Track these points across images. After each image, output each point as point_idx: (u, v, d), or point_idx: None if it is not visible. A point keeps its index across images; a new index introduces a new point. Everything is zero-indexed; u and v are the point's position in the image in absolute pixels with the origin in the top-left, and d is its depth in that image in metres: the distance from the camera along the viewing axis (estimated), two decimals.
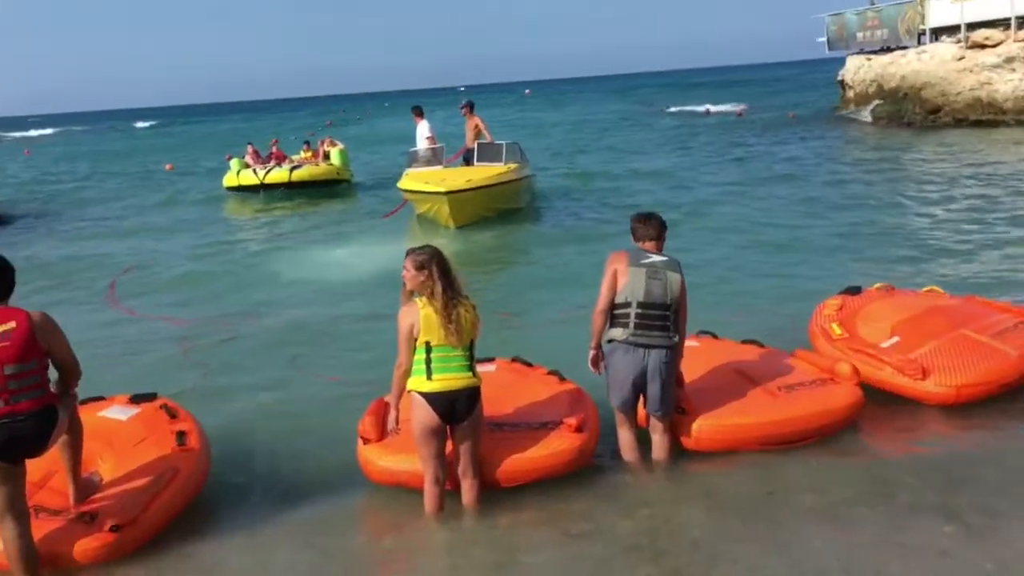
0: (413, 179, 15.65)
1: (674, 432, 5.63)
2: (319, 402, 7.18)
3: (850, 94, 33.14)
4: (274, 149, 24.66)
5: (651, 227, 5.51)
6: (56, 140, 72.63)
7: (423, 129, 17.37)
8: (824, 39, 36.08)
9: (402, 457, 5.17)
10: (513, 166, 15.99)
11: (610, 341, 5.39)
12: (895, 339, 6.72)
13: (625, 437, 5.59)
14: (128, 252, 15.20)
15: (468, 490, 5.07)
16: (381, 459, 5.25)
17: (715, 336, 7.02)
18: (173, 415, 5.82)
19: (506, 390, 5.91)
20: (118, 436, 5.51)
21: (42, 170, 38.03)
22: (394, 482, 5.25)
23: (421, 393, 4.82)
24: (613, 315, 5.38)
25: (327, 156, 23.78)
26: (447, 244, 12.96)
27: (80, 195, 26.13)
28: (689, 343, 6.39)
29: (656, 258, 5.41)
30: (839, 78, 34.72)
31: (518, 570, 4.58)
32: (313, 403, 7.17)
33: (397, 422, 5.18)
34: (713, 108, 49.78)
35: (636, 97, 75.92)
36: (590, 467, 5.44)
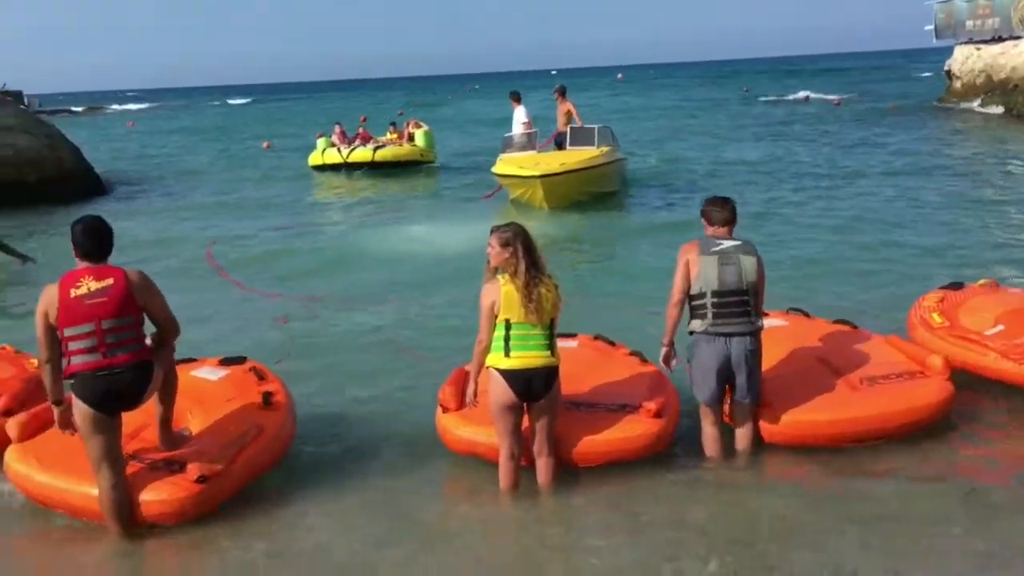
0: (507, 164, 15.80)
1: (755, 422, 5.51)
2: (403, 374, 7.28)
3: (957, 85, 31.91)
4: (361, 129, 24.91)
5: (725, 210, 5.40)
6: (157, 114, 75.27)
7: (519, 114, 17.38)
8: (932, 27, 34.74)
9: (479, 428, 5.21)
10: (605, 149, 16.02)
11: (691, 333, 5.31)
12: (999, 327, 6.45)
13: (709, 432, 5.43)
14: (218, 226, 15.71)
15: (543, 468, 5.07)
16: (459, 428, 5.31)
17: (806, 314, 6.85)
18: (261, 377, 5.99)
19: (586, 368, 5.88)
20: (207, 395, 5.69)
21: (143, 143, 39.55)
22: (470, 452, 5.31)
23: (499, 370, 4.85)
24: (691, 307, 5.29)
25: (412, 137, 23.84)
26: (537, 227, 12.82)
27: (178, 168, 27.03)
28: (777, 321, 6.26)
29: (727, 243, 5.30)
30: (946, 68, 33.44)
31: (588, 551, 4.57)
32: (397, 375, 7.27)
33: (475, 396, 5.22)
34: (811, 95, 48.47)
35: (731, 84, 74.34)
36: (667, 452, 5.40)
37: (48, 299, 4.53)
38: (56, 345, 4.57)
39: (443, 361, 6.96)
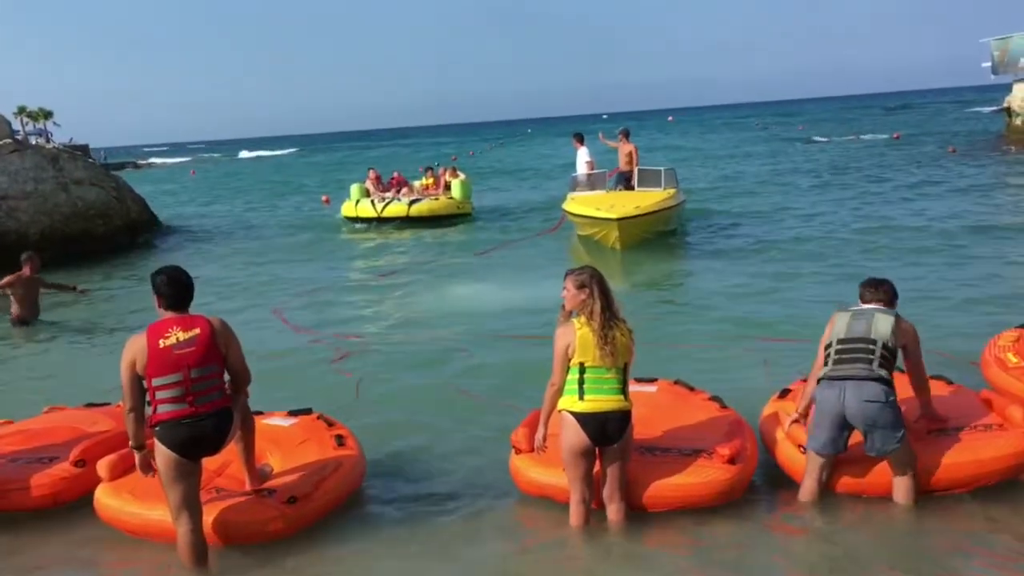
0: (581, 204, 16.40)
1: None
2: (463, 419, 7.30)
3: (1017, 122, 31.30)
4: (396, 174, 23.97)
5: (880, 291, 5.36)
6: (218, 164, 77.33)
7: (583, 155, 18.14)
8: (988, 64, 34.28)
9: (552, 470, 5.20)
10: (672, 191, 16.71)
11: (818, 382, 5.21)
12: None
13: (809, 486, 5.22)
14: (274, 274, 15.96)
15: (614, 513, 5.04)
16: (531, 470, 5.34)
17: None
18: (330, 424, 6.20)
19: (664, 412, 5.87)
20: (283, 437, 5.91)
21: (202, 192, 40.66)
22: (542, 494, 5.32)
23: (572, 413, 4.85)
24: (823, 361, 5.23)
25: (448, 187, 22.88)
26: (605, 268, 13.14)
27: (235, 216, 27.67)
28: None
29: (868, 306, 5.29)
30: (1004, 105, 32.86)
31: None
32: (457, 419, 7.30)
33: (545, 439, 5.19)
34: (864, 136, 48.00)
35: (782, 124, 73.93)
36: (744, 499, 5.30)
37: (136, 349, 4.63)
38: (141, 394, 4.67)
39: (501, 404, 7.04)
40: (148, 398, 4.67)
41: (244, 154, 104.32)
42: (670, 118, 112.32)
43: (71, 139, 41.38)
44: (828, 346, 5.19)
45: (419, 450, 6.67)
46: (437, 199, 22.24)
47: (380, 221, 21.62)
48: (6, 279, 11.79)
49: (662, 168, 17.56)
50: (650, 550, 4.92)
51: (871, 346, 5.05)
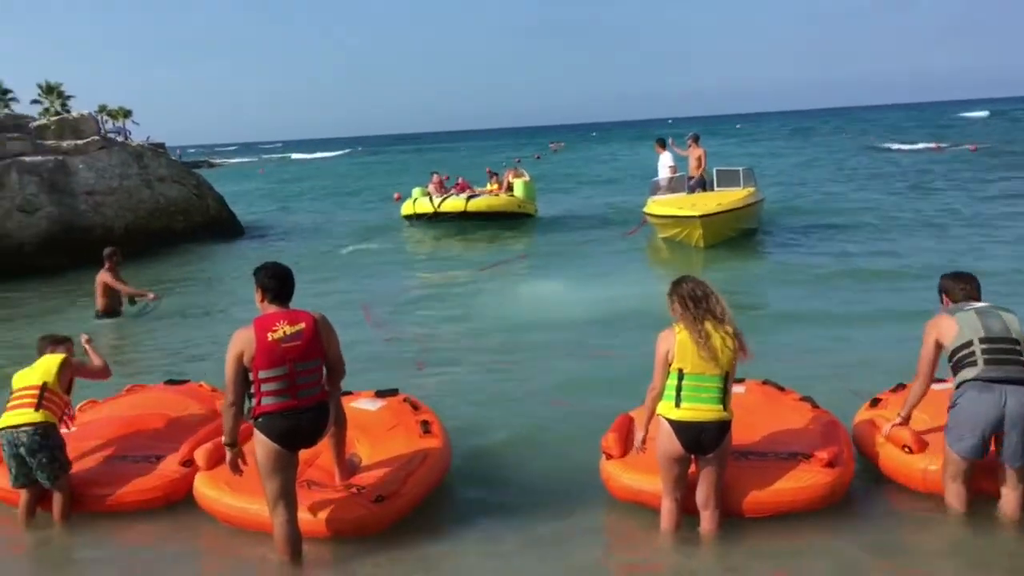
0: (663, 205, 16.78)
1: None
2: (547, 420, 7.32)
3: None
4: (460, 179, 23.96)
5: (973, 285, 5.24)
6: (284, 164, 78.88)
7: (665, 159, 18.48)
8: None
9: (644, 476, 5.17)
10: (751, 189, 17.13)
11: (959, 385, 4.94)
12: None
13: (957, 491, 4.98)
14: (352, 273, 16.21)
15: (707, 519, 4.98)
16: (623, 475, 5.30)
17: None
18: (416, 407, 6.29)
19: (755, 414, 5.78)
20: (370, 424, 6.00)
21: (272, 189, 41.49)
22: (634, 499, 5.27)
23: (668, 420, 4.81)
24: (956, 361, 4.96)
25: (511, 188, 22.64)
26: (691, 270, 13.65)
27: (306, 212, 28.18)
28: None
29: (980, 304, 5.10)
30: None
31: None
32: (548, 421, 7.31)
33: (644, 443, 5.14)
34: (943, 145, 46.77)
35: (854, 131, 72.45)
36: (842, 504, 5.20)
37: (243, 341, 4.70)
38: (245, 388, 4.74)
39: (585, 408, 7.04)
40: (252, 390, 4.73)
41: (296, 156, 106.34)
42: (738, 126, 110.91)
43: (148, 137, 42.66)
44: (966, 345, 4.89)
45: (502, 448, 6.70)
46: (497, 195, 22.05)
47: (437, 217, 21.46)
48: (103, 279, 12.19)
49: (740, 168, 18.07)
50: (743, 557, 4.84)
51: (1017, 346, 4.86)
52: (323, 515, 5.02)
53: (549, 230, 21.03)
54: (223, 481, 5.33)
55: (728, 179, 17.60)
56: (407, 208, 22.63)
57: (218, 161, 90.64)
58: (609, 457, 5.43)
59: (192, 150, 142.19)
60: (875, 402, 6.15)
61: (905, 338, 7.33)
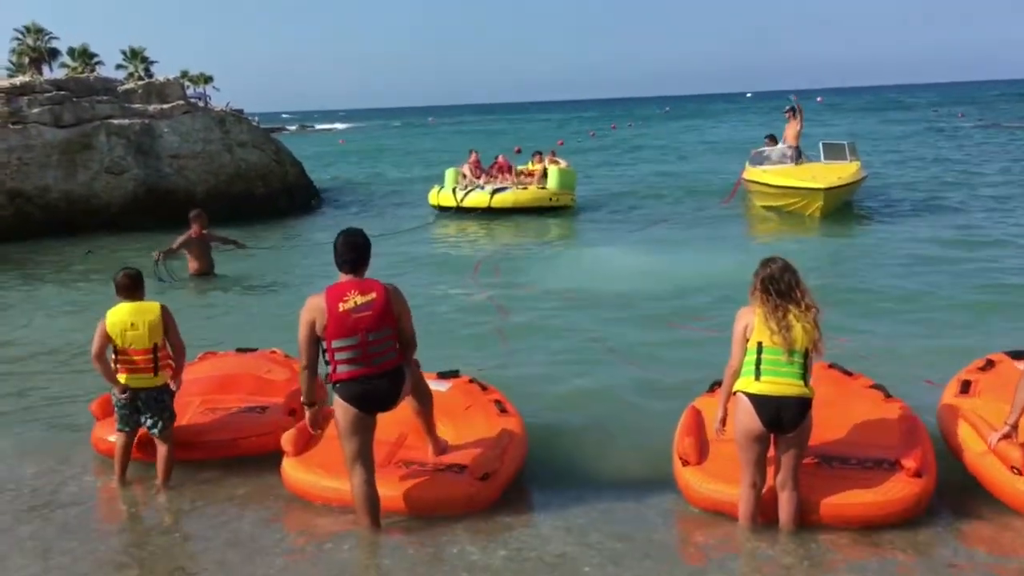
0: (775, 175, 17.51)
1: None
2: (628, 391, 7.29)
3: None
4: (500, 158, 21.66)
5: None
6: (362, 132, 79.64)
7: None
8: None
9: (724, 485, 4.96)
10: (858, 163, 17.77)
11: None
12: None
13: None
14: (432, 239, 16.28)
15: (786, 502, 4.83)
16: (702, 485, 5.06)
17: None
18: (484, 387, 6.28)
19: (826, 405, 5.32)
20: (446, 403, 5.95)
21: (352, 159, 41.98)
22: (715, 509, 5.04)
23: (747, 394, 4.70)
24: None
25: (545, 175, 20.27)
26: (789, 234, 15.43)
27: (382, 183, 28.45)
28: None
29: None
30: None
31: None
32: (623, 393, 7.27)
33: (724, 424, 4.99)
34: None
35: (948, 110, 69.67)
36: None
37: (315, 310, 4.76)
38: (317, 353, 4.83)
39: (667, 380, 6.99)
40: (327, 358, 4.80)
41: (374, 123, 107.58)
42: (819, 99, 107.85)
43: (228, 103, 43.35)
44: None
45: (580, 423, 6.66)
46: (525, 188, 19.83)
47: (460, 211, 19.60)
48: (180, 240, 12.52)
49: (845, 141, 18.86)
50: (823, 546, 4.70)
51: None
52: (428, 494, 5.04)
53: (639, 206, 20.87)
54: (315, 464, 5.38)
55: (834, 152, 18.19)
56: (432, 198, 20.63)
57: (293, 128, 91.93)
58: (686, 463, 5.19)
59: (270, 115, 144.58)
60: (964, 386, 5.79)
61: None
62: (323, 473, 5.31)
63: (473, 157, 21.30)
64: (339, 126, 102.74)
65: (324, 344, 4.78)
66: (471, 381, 6.41)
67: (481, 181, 20.25)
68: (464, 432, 5.67)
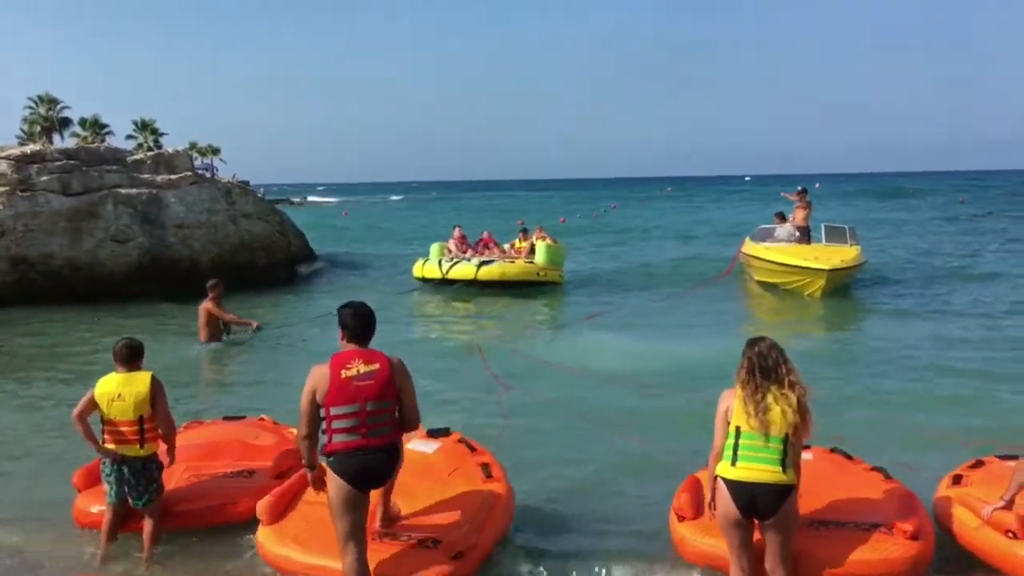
0: (778, 253, 17.95)
1: None
2: (623, 467, 7.30)
3: None
4: (485, 234, 21.45)
5: None
6: (368, 206, 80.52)
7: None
8: None
9: (718, 540, 4.98)
10: (859, 248, 18.32)
11: None
12: None
13: None
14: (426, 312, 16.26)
15: None
16: (697, 539, 5.13)
17: None
18: (472, 449, 6.21)
19: (826, 483, 5.61)
20: (430, 467, 5.91)
21: (355, 230, 42.37)
22: (708, 564, 5.11)
23: (724, 479, 4.70)
24: None
25: (533, 250, 19.97)
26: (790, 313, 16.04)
27: (385, 257, 28.55)
28: None
29: None
30: None
31: None
32: (617, 467, 7.29)
33: (712, 507, 4.96)
34: None
35: (936, 199, 70.41)
36: None
37: (318, 378, 4.80)
38: (318, 422, 4.83)
39: (658, 454, 6.94)
40: (324, 427, 4.81)
41: (373, 199, 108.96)
42: (817, 185, 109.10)
43: (235, 175, 44.20)
44: None
45: (570, 494, 6.64)
46: (513, 262, 19.50)
47: (445, 283, 19.23)
48: (207, 308, 12.70)
49: (846, 225, 19.49)
50: None
51: None
52: (400, 571, 4.89)
53: (648, 283, 20.96)
54: (290, 537, 5.25)
55: (835, 235, 18.78)
56: (417, 270, 20.16)
57: (297, 200, 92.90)
58: (681, 519, 5.27)
59: (275, 188, 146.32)
60: (957, 479, 5.93)
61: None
62: (297, 548, 5.15)
63: (457, 232, 21.09)
64: (332, 199, 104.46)
65: (323, 413, 4.78)
66: (460, 440, 6.38)
67: (468, 255, 20.05)
68: (444, 498, 5.57)
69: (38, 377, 11.47)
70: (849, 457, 6.19)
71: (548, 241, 20.31)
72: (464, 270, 19.03)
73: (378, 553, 4.97)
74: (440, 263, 19.45)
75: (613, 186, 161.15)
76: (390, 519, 5.37)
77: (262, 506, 5.45)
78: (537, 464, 7.33)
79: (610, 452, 7.70)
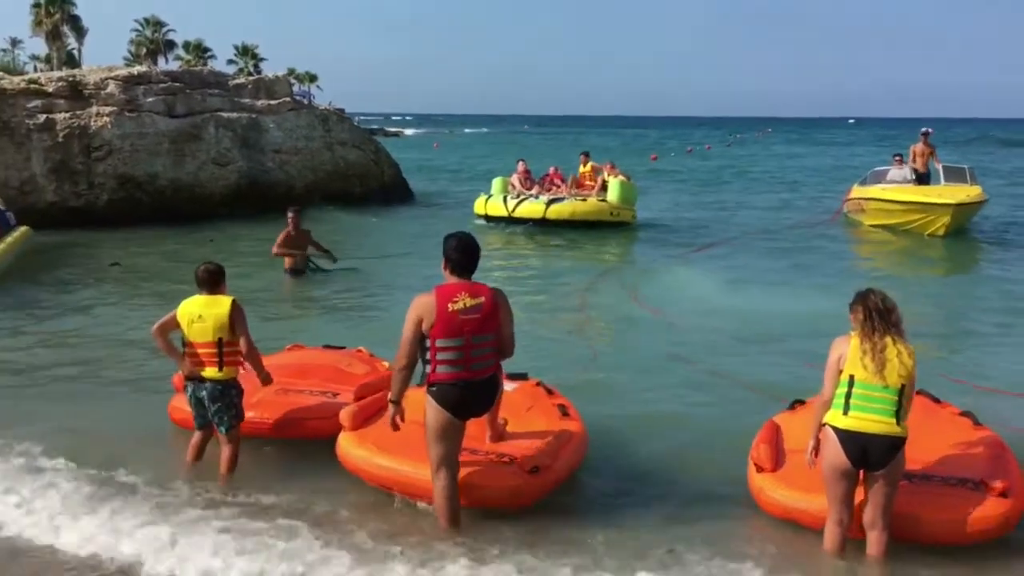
0: (896, 192, 17.78)
1: None
2: (705, 408, 7.22)
3: None
4: (553, 169, 20.18)
5: None
6: (458, 138, 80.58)
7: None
8: None
9: (798, 493, 4.90)
10: (979, 187, 17.84)
11: None
12: None
13: None
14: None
15: (874, 542, 4.66)
16: (775, 491, 5.02)
17: None
18: (550, 391, 6.30)
19: (913, 428, 5.25)
20: (510, 402, 5.87)
21: (446, 161, 42.52)
22: (786, 516, 4.99)
23: (834, 428, 4.58)
24: None
25: (604, 187, 18.86)
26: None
27: (472, 184, 28.62)
28: None
29: None
30: None
31: None
32: (699, 408, 7.22)
33: (816, 454, 4.80)
34: None
35: None
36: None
37: (424, 308, 4.77)
38: (417, 352, 4.83)
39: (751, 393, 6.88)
40: (427, 357, 4.81)
41: (468, 130, 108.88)
42: (929, 129, 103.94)
43: (331, 103, 44.50)
44: None
45: (651, 434, 6.58)
46: (585, 200, 18.36)
47: (511, 222, 18.23)
48: (281, 240, 12.84)
49: (965, 166, 19.13)
50: None
51: None
52: (475, 482, 5.00)
53: (745, 227, 20.01)
54: (370, 441, 5.37)
55: (955, 175, 18.40)
56: (479, 206, 19.08)
57: (393, 130, 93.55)
58: (760, 470, 5.16)
59: (370, 118, 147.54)
60: None
61: None
62: (376, 450, 5.27)
63: (521, 167, 19.61)
64: (424, 131, 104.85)
65: (427, 343, 4.78)
66: (538, 384, 6.43)
67: (534, 191, 18.78)
68: (524, 428, 5.65)
69: (152, 291, 11.97)
70: (937, 400, 5.97)
71: (621, 178, 19.16)
72: (532, 208, 17.93)
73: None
74: (505, 199, 18.42)
75: (709, 125, 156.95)
76: (499, 436, 5.47)
77: (345, 413, 5.61)
78: (621, 397, 7.38)
79: (692, 393, 7.62)
